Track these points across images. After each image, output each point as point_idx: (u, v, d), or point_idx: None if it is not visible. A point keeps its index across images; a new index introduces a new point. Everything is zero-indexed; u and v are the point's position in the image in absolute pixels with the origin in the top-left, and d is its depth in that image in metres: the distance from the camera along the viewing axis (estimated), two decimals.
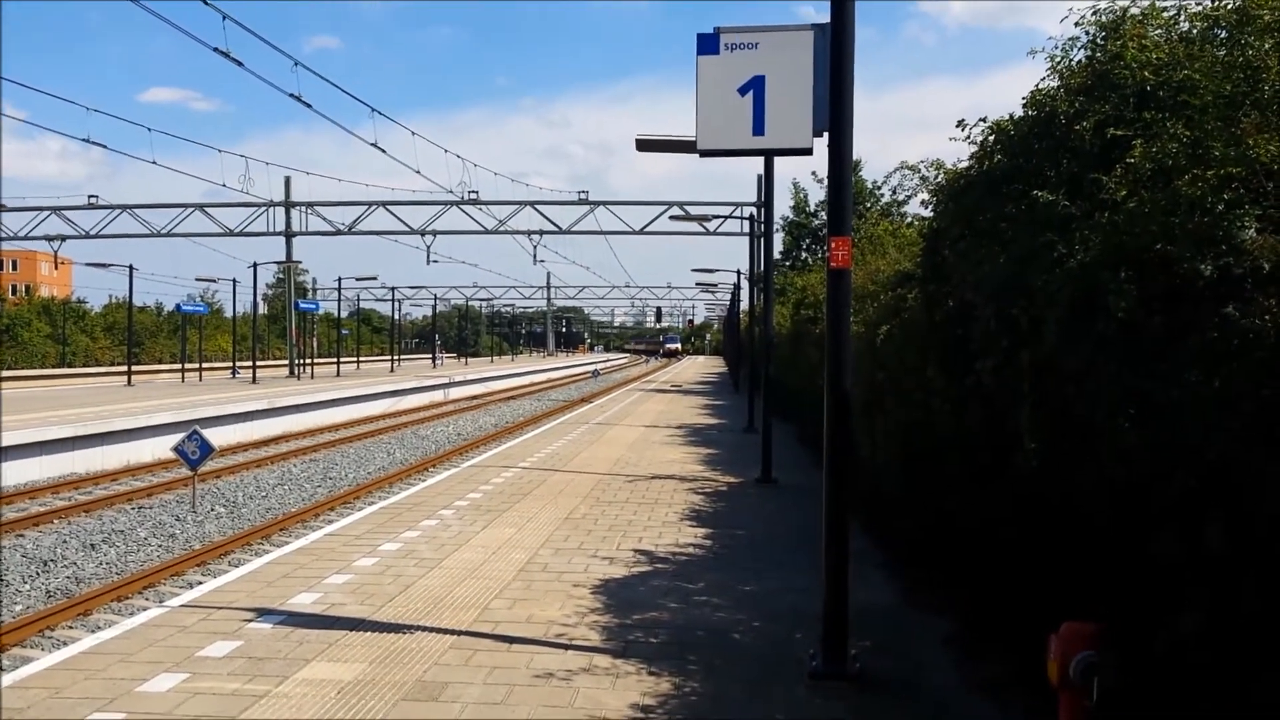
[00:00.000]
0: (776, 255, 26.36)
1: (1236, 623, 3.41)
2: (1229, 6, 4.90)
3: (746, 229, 22.36)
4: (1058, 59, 6.08)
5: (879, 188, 29.95)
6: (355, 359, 66.77)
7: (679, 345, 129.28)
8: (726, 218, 36.81)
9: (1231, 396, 3.40)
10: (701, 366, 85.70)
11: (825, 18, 6.00)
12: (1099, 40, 5.80)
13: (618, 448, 18.51)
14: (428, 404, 38.97)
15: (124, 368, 40.90)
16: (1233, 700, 3.48)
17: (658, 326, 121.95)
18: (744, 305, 39.28)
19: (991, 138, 6.31)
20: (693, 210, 35.29)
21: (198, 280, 74.46)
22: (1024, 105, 6.08)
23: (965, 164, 6.86)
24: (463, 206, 39.77)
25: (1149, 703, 3.94)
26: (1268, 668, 3.29)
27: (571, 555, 9.09)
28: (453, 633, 6.64)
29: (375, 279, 61.62)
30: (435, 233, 41.66)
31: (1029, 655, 4.73)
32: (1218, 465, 3.44)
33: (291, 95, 23.45)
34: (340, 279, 55.11)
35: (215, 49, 20.40)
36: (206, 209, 40.94)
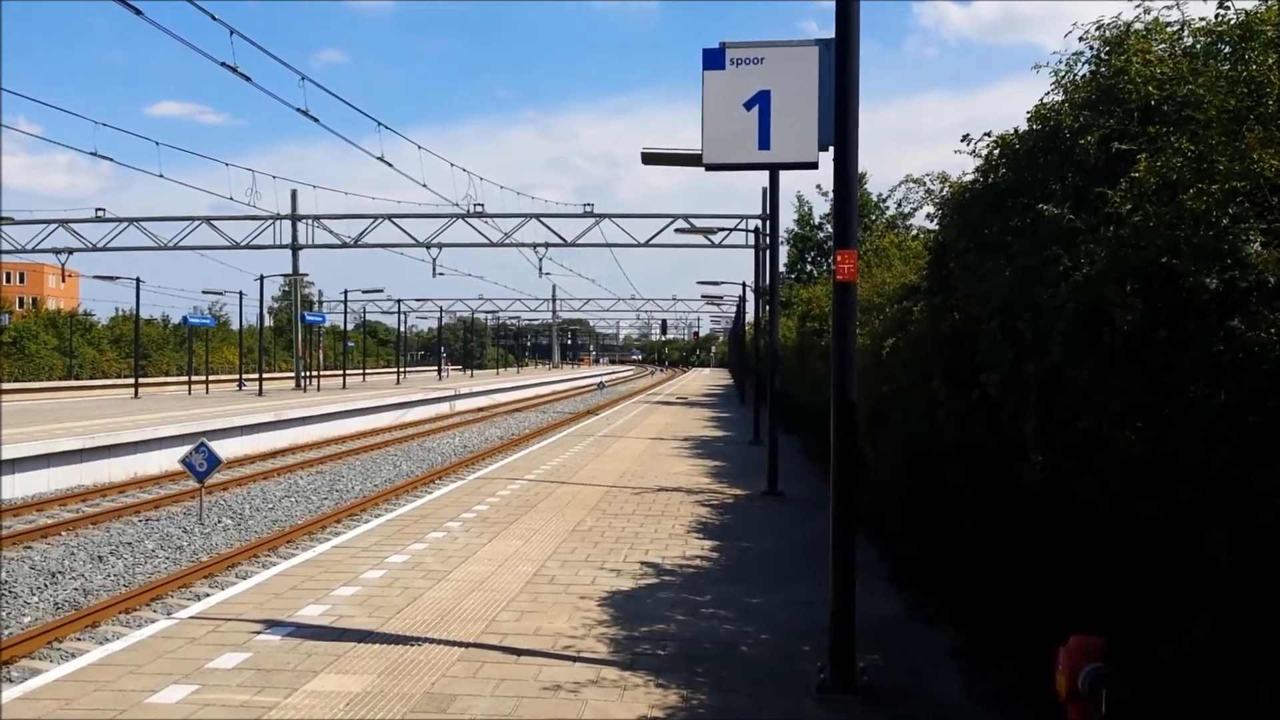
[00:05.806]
0: (781, 268, 26.35)
1: (1242, 634, 3.42)
2: (1232, 22, 4.94)
3: (751, 241, 22.42)
4: (1062, 73, 6.12)
5: (884, 200, 29.99)
6: (361, 371, 66.88)
7: (640, 357, 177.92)
8: (732, 230, 37.03)
9: (1237, 409, 3.42)
10: (707, 379, 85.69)
11: (829, 32, 6.04)
12: (1103, 55, 5.85)
13: (624, 460, 18.52)
14: (434, 416, 39.00)
15: (131, 380, 41.09)
16: (1238, 709, 3.48)
17: (664, 339, 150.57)
18: (749, 317, 39.32)
19: (996, 151, 6.35)
20: (698, 223, 35.36)
21: (204, 293, 75.04)
22: (1028, 119, 6.11)
23: (970, 177, 6.90)
24: (468, 219, 40.05)
25: (1156, 713, 3.94)
26: (1272, 677, 3.30)
27: (579, 567, 9.10)
28: (461, 645, 6.65)
29: (381, 291, 62.18)
30: (441, 245, 42.07)
31: (1036, 668, 4.73)
32: (1223, 477, 3.46)
33: (299, 110, 23.63)
34: (346, 291, 55.38)
35: (223, 64, 20.52)
36: (213, 222, 41.31)
